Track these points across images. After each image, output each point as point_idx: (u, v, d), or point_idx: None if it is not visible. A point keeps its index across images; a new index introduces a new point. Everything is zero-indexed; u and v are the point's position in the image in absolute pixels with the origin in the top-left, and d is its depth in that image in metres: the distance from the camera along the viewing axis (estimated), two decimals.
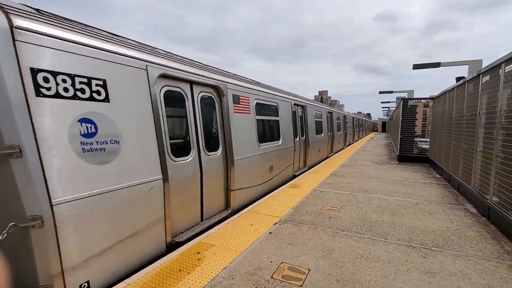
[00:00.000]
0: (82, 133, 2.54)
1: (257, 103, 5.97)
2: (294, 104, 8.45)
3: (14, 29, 2.15)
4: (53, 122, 2.35)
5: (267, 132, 6.57)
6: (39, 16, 2.44)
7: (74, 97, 2.51)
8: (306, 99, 10.23)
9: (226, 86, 4.78)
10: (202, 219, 4.25)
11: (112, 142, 2.79)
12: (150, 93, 3.25)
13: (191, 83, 4.07)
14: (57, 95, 2.38)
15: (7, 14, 2.15)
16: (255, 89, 5.98)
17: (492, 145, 4.22)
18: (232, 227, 3.98)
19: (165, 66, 3.53)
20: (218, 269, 2.87)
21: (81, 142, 2.52)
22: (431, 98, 10.43)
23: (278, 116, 7.10)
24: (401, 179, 7.37)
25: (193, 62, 4.41)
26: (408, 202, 5.29)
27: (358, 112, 57.94)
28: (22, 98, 2.17)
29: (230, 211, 4.76)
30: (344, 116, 18.12)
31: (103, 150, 2.70)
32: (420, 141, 11.49)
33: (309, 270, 2.86)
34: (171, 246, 3.53)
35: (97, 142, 2.65)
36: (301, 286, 2.60)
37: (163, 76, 3.54)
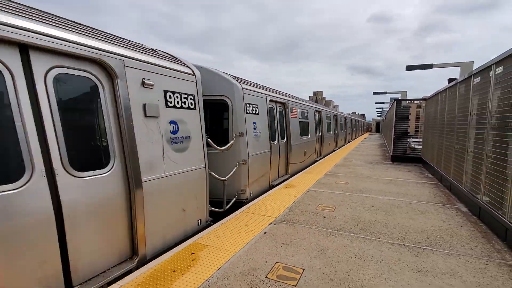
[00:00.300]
0: (253, 128, 5.78)
1: (299, 111, 9.24)
2: (316, 110, 11.61)
3: (243, 89, 5.46)
4: (248, 123, 5.57)
5: (304, 129, 9.64)
6: (239, 79, 5.77)
7: (251, 112, 5.76)
8: (321, 106, 13.74)
9: (288, 102, 8.09)
10: (278, 176, 7.39)
11: (258, 132, 5.98)
12: (266, 109, 6.54)
13: (275, 102, 7.36)
14: (248, 112, 5.59)
15: (240, 83, 5.48)
16: (298, 102, 9.31)
17: (482, 145, 4.30)
18: (227, 227, 3.97)
19: (270, 95, 6.92)
20: (212, 270, 2.87)
21: (253, 132, 5.78)
22: (424, 99, 10.57)
23: (308, 119, 10.23)
24: (394, 179, 7.45)
25: (275, 89, 7.96)
26: (401, 201, 5.36)
27: (352, 113, 58.44)
28: (243, 114, 5.40)
29: (289, 175, 7.95)
30: (345, 117, 21.22)
31: (257, 135, 5.93)
32: (413, 141, 11.63)
33: (303, 269, 2.88)
34: (269, 187, 6.60)
35: (256, 132, 5.90)
36: (295, 285, 2.61)
37: (270, 100, 6.85)
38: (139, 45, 3.60)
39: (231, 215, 4.52)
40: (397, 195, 5.84)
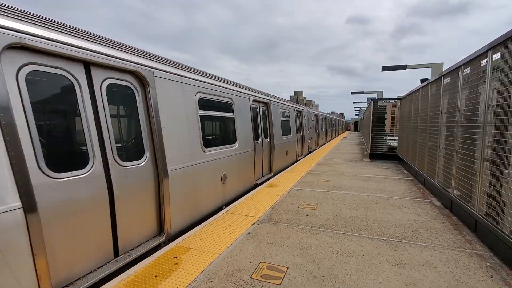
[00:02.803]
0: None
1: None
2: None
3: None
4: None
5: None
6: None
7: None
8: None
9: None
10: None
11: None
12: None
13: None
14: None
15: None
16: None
17: (453, 142, 4.55)
18: (210, 229, 3.92)
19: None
20: (196, 273, 2.81)
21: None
22: (399, 99, 11.02)
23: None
24: (372, 176, 7.71)
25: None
26: (380, 197, 5.55)
27: (332, 112, 59.86)
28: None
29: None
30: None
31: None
32: (389, 139, 12.09)
33: (287, 268, 2.90)
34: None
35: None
36: (279, 284, 2.62)
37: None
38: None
39: (214, 216, 4.47)
40: (376, 191, 6.04)
